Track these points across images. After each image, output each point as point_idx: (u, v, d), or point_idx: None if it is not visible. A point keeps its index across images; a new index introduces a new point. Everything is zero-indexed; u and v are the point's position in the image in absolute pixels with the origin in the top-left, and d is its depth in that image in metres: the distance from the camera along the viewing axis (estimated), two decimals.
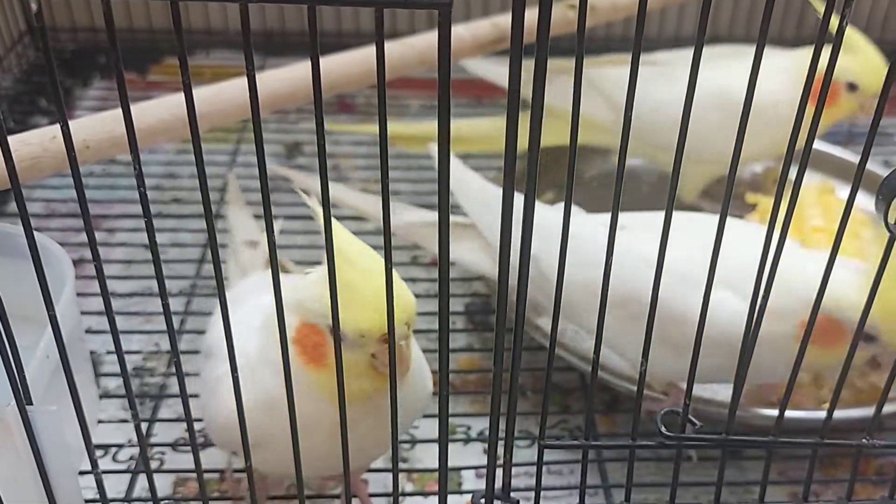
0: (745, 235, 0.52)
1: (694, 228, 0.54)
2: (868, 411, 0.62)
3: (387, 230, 0.35)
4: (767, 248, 0.40)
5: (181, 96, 0.38)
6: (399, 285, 0.42)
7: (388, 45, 0.66)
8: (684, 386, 0.43)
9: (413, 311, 0.44)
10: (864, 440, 0.44)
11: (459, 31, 0.72)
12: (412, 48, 0.67)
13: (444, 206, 0.34)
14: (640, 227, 0.58)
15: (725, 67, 0.74)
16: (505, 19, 0.73)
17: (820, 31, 0.34)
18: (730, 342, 0.52)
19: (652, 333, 0.57)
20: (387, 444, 0.48)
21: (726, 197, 0.38)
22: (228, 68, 1.09)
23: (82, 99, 1.01)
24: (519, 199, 0.35)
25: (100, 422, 0.64)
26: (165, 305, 0.36)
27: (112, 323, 0.39)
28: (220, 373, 0.49)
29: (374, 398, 0.46)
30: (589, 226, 0.59)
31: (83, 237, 0.76)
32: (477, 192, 0.69)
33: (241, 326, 0.43)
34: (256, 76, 0.35)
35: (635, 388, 0.61)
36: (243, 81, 0.33)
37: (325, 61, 0.64)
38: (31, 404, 0.38)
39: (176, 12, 0.30)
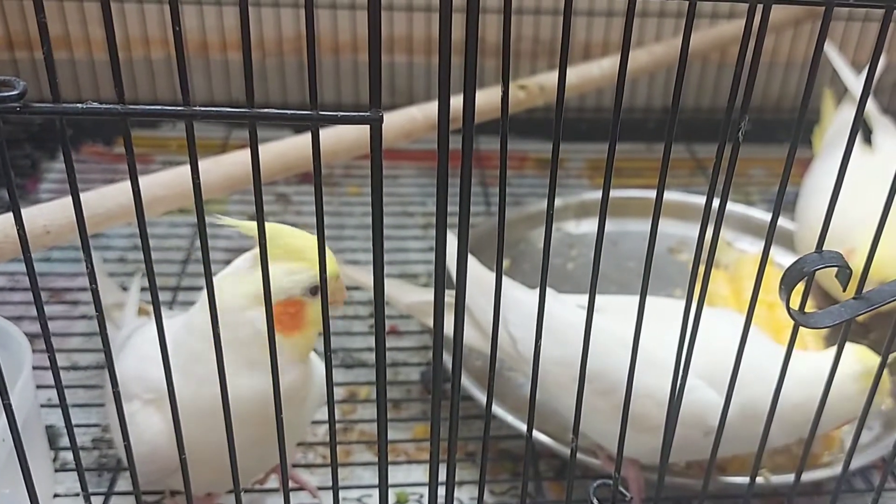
0: (719, 323, 0.56)
1: (667, 313, 0.57)
2: (809, 476, 0.65)
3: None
4: (689, 320, 0.42)
5: (142, 180, 0.40)
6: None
7: (325, 133, 0.70)
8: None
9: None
10: None
11: (413, 112, 0.76)
12: (345, 137, 0.71)
13: (380, 293, 0.37)
14: (615, 310, 0.61)
15: None
16: (455, 100, 0.77)
17: None
18: (692, 422, 0.55)
19: (600, 408, 0.60)
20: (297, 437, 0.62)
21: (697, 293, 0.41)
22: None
23: (49, 171, 1.03)
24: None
25: (56, 496, 0.64)
26: (116, 393, 0.38)
27: (63, 401, 0.40)
28: (133, 409, 0.53)
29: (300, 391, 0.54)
30: (565, 306, 0.63)
31: (47, 309, 0.78)
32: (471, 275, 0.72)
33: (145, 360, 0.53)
34: (216, 158, 0.37)
35: (586, 457, 0.64)
36: (202, 165, 0.36)
37: (278, 145, 0.68)
38: None
39: (126, 134, 0.32)
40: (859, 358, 0.59)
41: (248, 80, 0.32)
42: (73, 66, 1.09)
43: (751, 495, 0.47)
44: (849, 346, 0.60)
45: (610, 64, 0.91)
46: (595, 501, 0.45)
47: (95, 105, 0.32)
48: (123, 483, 0.67)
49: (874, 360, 0.58)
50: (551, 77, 0.88)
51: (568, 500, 0.47)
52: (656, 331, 0.49)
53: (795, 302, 0.41)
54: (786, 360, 0.44)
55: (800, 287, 0.42)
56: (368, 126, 0.34)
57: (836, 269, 0.39)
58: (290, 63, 1.13)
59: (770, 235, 0.41)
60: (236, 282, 0.52)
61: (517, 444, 0.72)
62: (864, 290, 0.41)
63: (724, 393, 0.54)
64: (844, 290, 0.40)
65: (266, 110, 0.33)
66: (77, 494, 0.65)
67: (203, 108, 0.33)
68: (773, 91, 1.19)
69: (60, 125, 0.32)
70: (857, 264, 0.38)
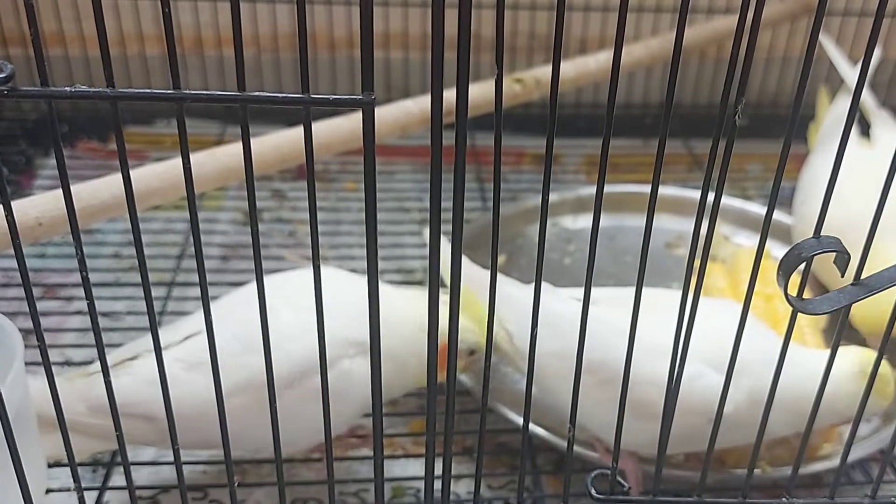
0: (725, 313, 0.55)
1: (668, 302, 0.57)
2: (808, 469, 0.64)
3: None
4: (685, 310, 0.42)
5: (135, 172, 0.40)
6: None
7: (319, 126, 0.69)
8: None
9: None
10: (783, 499, 0.46)
11: (408, 105, 0.75)
12: (340, 128, 0.70)
13: (375, 286, 0.37)
14: (614, 301, 0.61)
15: None
16: (449, 93, 0.77)
17: None
18: (699, 409, 0.55)
19: (601, 399, 0.59)
20: None
21: (692, 274, 0.41)
22: (189, 136, 1.11)
23: (44, 168, 1.02)
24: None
25: (49, 491, 0.64)
26: (108, 383, 0.37)
27: (55, 395, 0.40)
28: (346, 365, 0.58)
29: None
30: (561, 298, 0.63)
31: (41, 305, 0.77)
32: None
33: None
34: (210, 150, 0.36)
35: (584, 450, 0.64)
36: (196, 157, 0.36)
37: (272, 137, 0.67)
38: None
39: (115, 118, 0.32)
40: (859, 360, 0.60)
41: (238, 63, 0.32)
42: (68, 62, 1.09)
43: (749, 487, 0.47)
44: (854, 348, 0.60)
45: (606, 57, 0.91)
46: (593, 492, 0.45)
47: (84, 89, 0.32)
48: (118, 478, 0.66)
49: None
50: (547, 71, 0.88)
51: (565, 493, 0.47)
52: (658, 319, 0.49)
53: (793, 290, 0.41)
54: (784, 346, 0.43)
55: (796, 278, 0.42)
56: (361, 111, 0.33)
57: (833, 254, 0.39)
58: (285, 59, 1.12)
59: (766, 226, 0.41)
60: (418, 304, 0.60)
61: (515, 439, 0.72)
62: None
63: (732, 380, 0.53)
64: (843, 276, 0.40)
65: (258, 94, 0.33)
66: (70, 489, 0.64)
67: (194, 92, 0.33)
68: (769, 87, 1.18)
69: (49, 108, 0.32)
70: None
